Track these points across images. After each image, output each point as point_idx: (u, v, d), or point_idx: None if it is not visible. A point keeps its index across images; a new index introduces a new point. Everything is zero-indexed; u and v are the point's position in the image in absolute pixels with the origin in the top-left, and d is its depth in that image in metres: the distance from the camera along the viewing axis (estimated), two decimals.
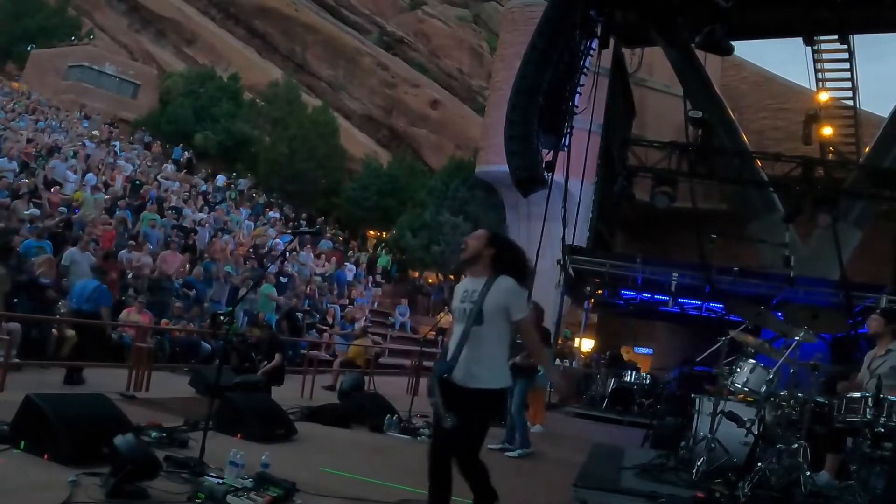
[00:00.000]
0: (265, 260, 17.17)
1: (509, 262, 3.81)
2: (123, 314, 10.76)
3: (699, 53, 15.25)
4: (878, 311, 5.96)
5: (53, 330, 9.24)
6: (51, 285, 9.93)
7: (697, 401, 6.62)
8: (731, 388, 5.96)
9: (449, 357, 3.71)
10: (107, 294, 9.66)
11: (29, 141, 19.31)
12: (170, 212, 17.60)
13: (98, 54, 37.08)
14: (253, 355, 10.29)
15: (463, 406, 3.55)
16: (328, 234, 26.14)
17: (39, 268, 9.90)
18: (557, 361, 14.84)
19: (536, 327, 7.98)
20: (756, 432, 5.53)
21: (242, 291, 12.80)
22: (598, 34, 13.85)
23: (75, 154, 19.44)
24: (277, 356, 10.16)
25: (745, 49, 18.06)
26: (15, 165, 15.47)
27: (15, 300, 9.21)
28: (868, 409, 4.83)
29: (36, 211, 12.53)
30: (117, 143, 25.48)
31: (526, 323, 3.78)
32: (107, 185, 17.56)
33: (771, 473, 5.04)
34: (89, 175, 17.41)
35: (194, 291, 13.16)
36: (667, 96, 19.99)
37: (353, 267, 23.62)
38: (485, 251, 3.79)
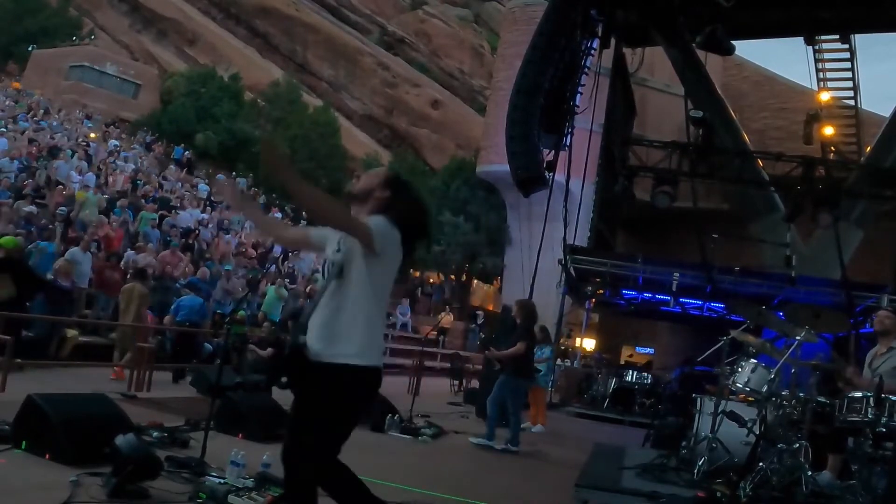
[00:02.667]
0: (266, 261, 17.17)
1: (404, 211, 2.94)
2: None
3: (700, 53, 15.25)
4: (888, 308, 5.94)
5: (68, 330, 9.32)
6: (70, 289, 9.98)
7: (698, 400, 6.61)
8: (733, 388, 5.95)
9: (302, 321, 2.90)
10: (203, 310, 11.06)
11: (30, 141, 19.32)
12: (170, 212, 17.60)
13: (99, 54, 37.12)
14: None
15: (312, 387, 2.76)
16: None
17: (58, 271, 9.94)
18: (559, 361, 14.84)
19: (522, 327, 8.01)
20: (757, 432, 5.52)
21: (242, 292, 12.80)
22: (599, 34, 13.86)
23: (74, 154, 19.44)
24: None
25: (746, 49, 18.05)
26: (16, 166, 15.49)
27: (27, 303, 9.29)
28: (869, 409, 4.82)
29: (33, 209, 12.52)
30: (115, 143, 25.44)
31: (364, 225, 2.78)
32: (107, 186, 17.57)
33: (772, 473, 5.03)
34: (90, 175, 17.42)
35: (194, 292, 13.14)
36: (667, 96, 19.98)
37: None
38: (378, 191, 2.96)
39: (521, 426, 9.81)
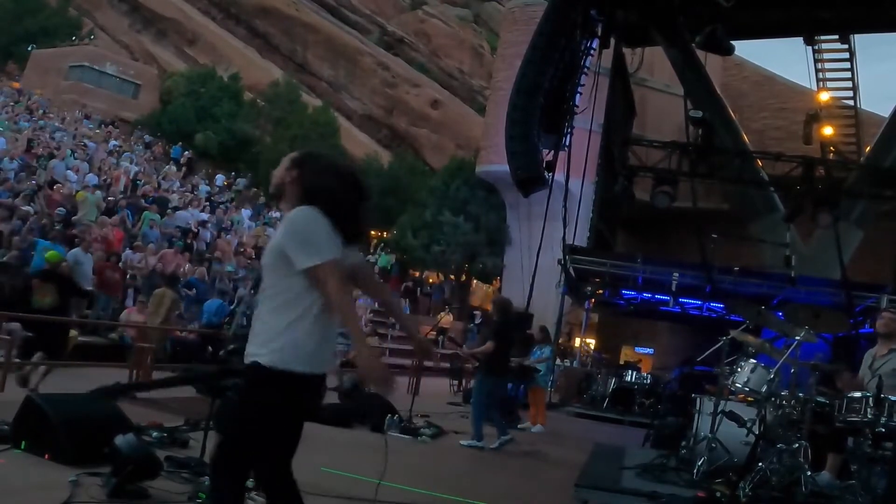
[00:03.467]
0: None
1: (317, 183, 2.64)
2: (124, 314, 10.76)
3: (700, 53, 15.25)
4: (891, 309, 5.93)
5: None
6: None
7: (698, 400, 6.61)
8: (732, 388, 5.96)
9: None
10: (223, 310, 11.61)
11: (29, 141, 19.31)
12: (170, 211, 17.60)
13: (99, 54, 37.09)
14: None
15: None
16: None
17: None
18: (558, 361, 14.84)
19: (495, 325, 7.97)
20: (757, 432, 5.53)
21: (241, 292, 12.81)
22: (599, 34, 13.86)
23: (73, 153, 19.44)
24: None
25: (745, 49, 18.07)
26: (15, 165, 15.48)
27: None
28: (869, 409, 4.82)
29: (30, 208, 12.51)
30: (115, 143, 25.43)
31: (323, 272, 2.50)
32: (107, 185, 17.57)
33: (772, 473, 5.03)
34: (90, 175, 17.41)
35: (195, 291, 13.16)
36: (667, 96, 19.98)
37: None
38: (288, 176, 2.70)
39: (521, 426, 9.86)
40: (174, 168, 26.29)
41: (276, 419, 2.57)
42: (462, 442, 7.70)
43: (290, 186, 2.69)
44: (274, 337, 2.54)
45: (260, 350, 2.55)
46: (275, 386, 2.52)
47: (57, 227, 12.36)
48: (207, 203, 21.67)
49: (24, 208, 12.25)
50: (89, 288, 10.18)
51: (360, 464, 5.67)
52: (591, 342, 19.82)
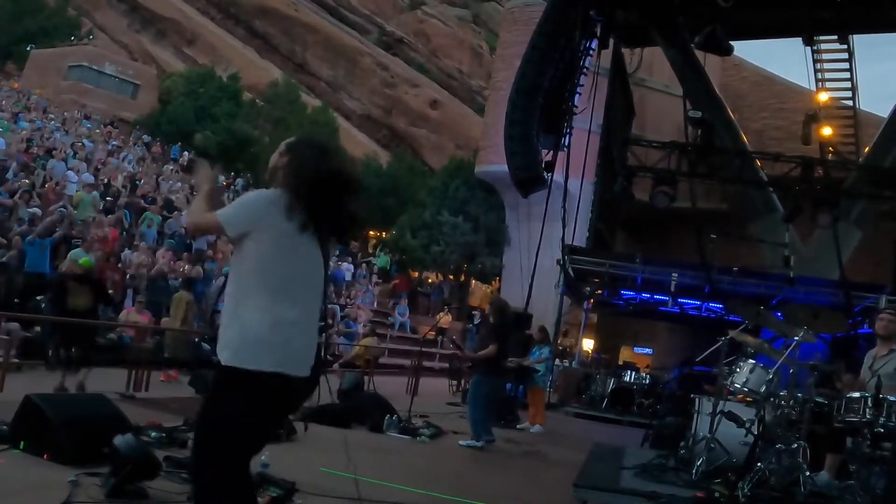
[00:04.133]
0: None
1: (298, 167, 2.61)
2: (123, 314, 10.76)
3: (699, 53, 15.26)
4: (890, 311, 5.92)
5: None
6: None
7: (697, 401, 6.61)
8: (731, 388, 5.96)
9: None
10: None
11: (28, 141, 19.29)
12: (170, 211, 17.59)
13: (98, 54, 37.09)
14: None
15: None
16: None
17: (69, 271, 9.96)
18: (557, 361, 14.84)
19: (494, 327, 7.95)
20: (756, 432, 5.53)
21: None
22: (598, 34, 13.88)
23: (75, 154, 19.43)
24: None
25: (745, 49, 18.07)
26: (15, 166, 15.46)
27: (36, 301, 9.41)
28: (868, 409, 4.83)
29: (37, 210, 12.53)
30: (114, 143, 25.42)
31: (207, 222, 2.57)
32: (106, 185, 17.55)
33: (771, 473, 5.03)
34: (87, 174, 17.39)
35: (195, 292, 13.15)
36: (666, 96, 19.99)
37: (351, 266, 23.63)
38: (280, 161, 2.70)
39: (520, 426, 9.86)
40: (172, 167, 26.27)
41: (246, 421, 2.51)
42: (461, 442, 7.72)
43: (281, 171, 2.64)
44: (237, 327, 2.49)
45: (228, 343, 2.49)
46: (241, 385, 2.46)
47: (56, 227, 12.34)
48: None
49: (22, 208, 12.24)
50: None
51: (359, 464, 5.67)
52: (590, 342, 19.80)
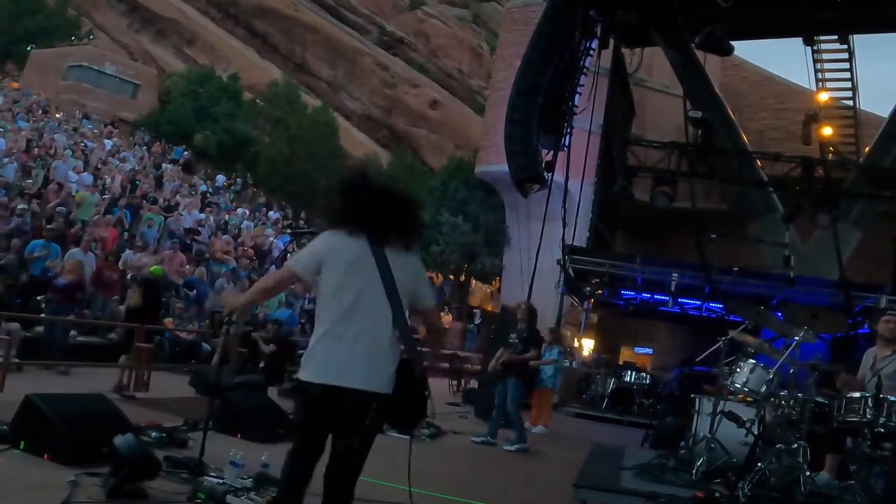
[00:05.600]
0: (266, 261, 17.16)
1: (340, 203, 3.01)
2: (117, 312, 10.76)
3: (699, 53, 15.25)
4: (893, 311, 5.92)
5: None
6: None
7: (697, 401, 6.62)
8: (731, 388, 5.96)
9: None
10: (293, 319, 13.57)
11: (29, 141, 19.29)
12: (170, 211, 17.59)
13: (98, 54, 37.08)
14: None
15: None
16: None
17: (68, 273, 9.98)
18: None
19: (531, 332, 8.14)
20: (756, 432, 5.53)
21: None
22: (598, 34, 13.86)
23: (73, 154, 19.42)
24: None
25: (745, 49, 18.05)
26: (16, 165, 15.47)
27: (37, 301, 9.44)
28: (868, 409, 4.83)
29: (24, 206, 12.50)
30: (110, 142, 25.37)
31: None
32: (106, 185, 17.55)
33: (771, 473, 5.04)
34: (87, 175, 17.39)
35: (194, 291, 13.16)
36: (667, 96, 19.98)
37: None
38: (335, 201, 3.06)
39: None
40: (173, 168, 26.26)
41: (307, 424, 3.00)
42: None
43: (334, 204, 3.04)
44: (307, 353, 2.97)
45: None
46: (304, 394, 2.93)
47: (55, 227, 12.34)
48: (206, 203, 21.66)
49: (21, 207, 12.23)
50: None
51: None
52: (587, 344, 19.79)
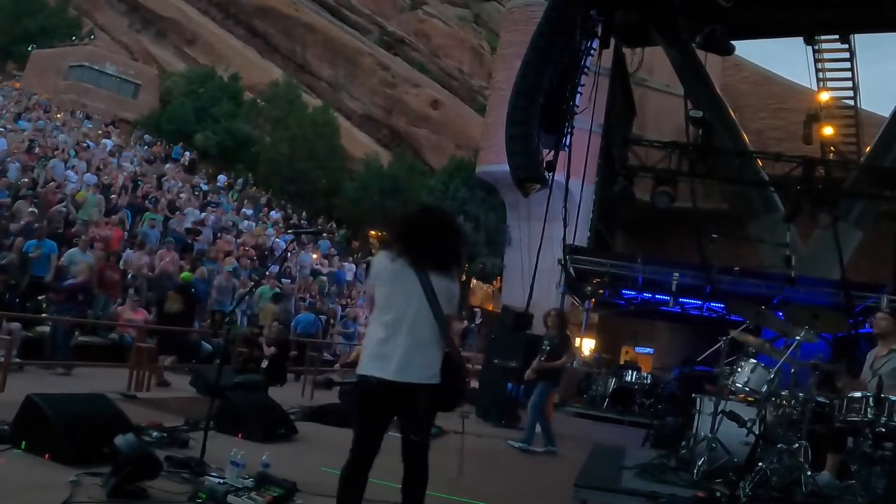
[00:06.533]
0: (266, 261, 17.17)
1: (393, 233, 3.65)
2: (117, 312, 10.78)
3: (699, 53, 15.24)
4: (886, 310, 5.94)
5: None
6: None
7: (698, 400, 6.60)
8: (732, 388, 5.95)
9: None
10: (317, 324, 13.96)
11: (30, 141, 19.31)
12: (170, 211, 17.60)
13: (98, 54, 37.10)
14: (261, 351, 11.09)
15: None
16: (329, 235, 26.13)
17: (80, 275, 10.00)
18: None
19: (563, 338, 8.26)
20: (757, 432, 5.52)
21: (241, 292, 12.83)
22: (599, 34, 13.86)
23: (76, 154, 19.44)
24: None
25: (745, 49, 18.05)
26: (17, 165, 15.48)
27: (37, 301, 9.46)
28: (869, 409, 4.82)
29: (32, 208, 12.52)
30: (109, 142, 25.39)
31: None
32: (107, 185, 17.56)
33: (772, 473, 5.03)
34: (89, 175, 17.40)
35: (194, 291, 13.14)
36: (667, 96, 19.98)
37: (353, 266, 23.62)
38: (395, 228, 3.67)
39: (521, 426, 9.85)
40: (175, 168, 26.28)
41: (363, 413, 3.41)
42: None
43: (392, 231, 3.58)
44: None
45: None
46: (359, 388, 3.42)
47: (52, 226, 12.36)
48: (206, 203, 21.66)
49: (23, 209, 12.24)
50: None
51: None
52: (587, 345, 19.80)
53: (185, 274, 10.99)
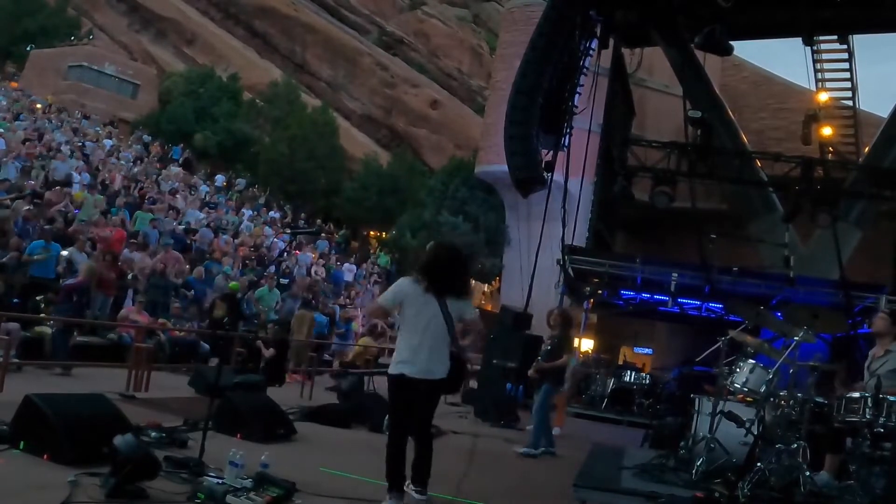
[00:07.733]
0: (265, 262, 17.17)
1: (425, 257, 4.77)
2: (122, 314, 10.76)
3: (699, 53, 15.25)
4: (885, 310, 5.95)
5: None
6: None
7: (697, 401, 6.61)
8: (731, 388, 5.95)
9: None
10: (327, 325, 14.32)
11: (29, 141, 19.28)
12: (170, 212, 17.59)
13: (98, 54, 37.06)
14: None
15: None
16: (328, 235, 26.14)
17: (81, 275, 9.98)
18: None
19: (565, 338, 8.24)
20: (756, 432, 5.53)
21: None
22: (598, 34, 13.87)
23: (73, 154, 19.41)
24: None
25: (744, 49, 18.06)
26: (17, 165, 15.46)
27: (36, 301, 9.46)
28: (867, 409, 4.83)
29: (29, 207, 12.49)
30: (109, 142, 25.37)
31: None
32: (106, 185, 17.55)
33: (770, 473, 5.03)
34: (85, 174, 17.38)
35: (193, 291, 13.15)
36: (666, 96, 19.98)
37: (353, 267, 23.63)
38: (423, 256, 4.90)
39: (520, 427, 9.86)
40: (175, 168, 26.24)
41: (394, 405, 4.61)
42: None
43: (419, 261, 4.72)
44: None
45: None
46: (390, 383, 4.57)
47: (55, 227, 12.34)
48: (205, 203, 21.66)
49: (23, 209, 12.21)
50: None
51: (359, 464, 5.68)
52: (590, 342, 19.79)
53: (233, 284, 11.97)
